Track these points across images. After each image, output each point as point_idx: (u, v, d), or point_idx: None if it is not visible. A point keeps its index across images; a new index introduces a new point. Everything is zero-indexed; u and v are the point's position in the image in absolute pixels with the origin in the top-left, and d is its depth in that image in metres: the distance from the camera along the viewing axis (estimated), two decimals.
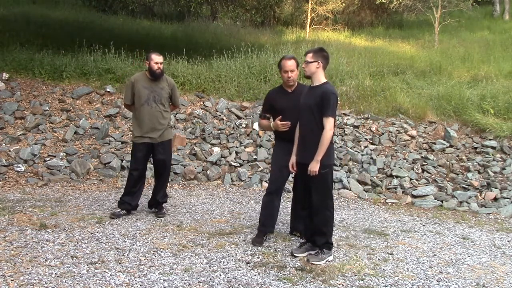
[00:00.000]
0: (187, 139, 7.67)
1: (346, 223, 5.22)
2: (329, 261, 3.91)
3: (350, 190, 6.61)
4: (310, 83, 4.03)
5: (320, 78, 3.90)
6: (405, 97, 8.95)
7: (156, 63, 4.83)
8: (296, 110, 4.18)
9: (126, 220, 4.85)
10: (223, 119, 8.27)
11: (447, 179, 6.92)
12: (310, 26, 16.87)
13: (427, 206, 6.19)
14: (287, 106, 4.25)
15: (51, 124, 7.62)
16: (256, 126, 7.93)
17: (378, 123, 8.34)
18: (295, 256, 3.99)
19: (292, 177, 4.66)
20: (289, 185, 6.10)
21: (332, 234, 4.05)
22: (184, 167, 6.91)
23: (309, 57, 3.89)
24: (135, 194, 5.03)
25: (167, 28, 14.63)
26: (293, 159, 4.06)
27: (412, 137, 7.95)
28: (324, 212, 3.88)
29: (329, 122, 3.74)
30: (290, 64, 4.23)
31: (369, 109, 8.69)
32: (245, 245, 4.24)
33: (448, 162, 7.23)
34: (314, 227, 3.98)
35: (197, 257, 3.92)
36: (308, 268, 3.75)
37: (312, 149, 3.79)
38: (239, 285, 3.41)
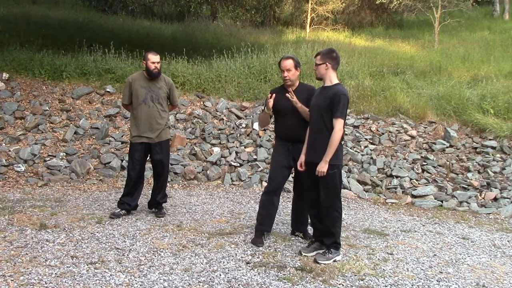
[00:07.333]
0: (187, 139, 7.67)
1: (346, 223, 5.22)
2: (336, 261, 3.92)
3: (350, 190, 6.62)
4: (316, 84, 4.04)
5: (332, 79, 3.92)
6: (405, 97, 8.94)
7: (153, 62, 4.83)
8: (296, 111, 4.19)
9: (126, 220, 4.85)
10: (223, 119, 8.27)
11: (447, 179, 6.92)
12: (310, 26, 16.87)
13: (427, 206, 6.19)
14: (288, 106, 4.24)
15: (51, 124, 7.62)
16: (256, 126, 7.93)
17: (378, 123, 8.33)
18: (304, 255, 4.01)
19: (292, 177, 4.65)
20: (289, 185, 6.11)
21: (340, 234, 4.06)
22: (184, 167, 6.91)
23: (318, 60, 3.94)
24: (134, 195, 5.02)
25: (167, 28, 14.63)
26: (302, 158, 4.07)
27: (412, 137, 7.94)
28: (332, 212, 3.90)
29: (338, 123, 3.76)
30: (286, 63, 4.23)
31: (369, 109, 8.69)
32: (245, 245, 4.24)
33: (448, 162, 7.23)
34: (322, 227, 4.00)
35: (197, 257, 3.92)
36: (308, 268, 3.75)
37: (321, 149, 3.80)
38: (239, 285, 3.41)
